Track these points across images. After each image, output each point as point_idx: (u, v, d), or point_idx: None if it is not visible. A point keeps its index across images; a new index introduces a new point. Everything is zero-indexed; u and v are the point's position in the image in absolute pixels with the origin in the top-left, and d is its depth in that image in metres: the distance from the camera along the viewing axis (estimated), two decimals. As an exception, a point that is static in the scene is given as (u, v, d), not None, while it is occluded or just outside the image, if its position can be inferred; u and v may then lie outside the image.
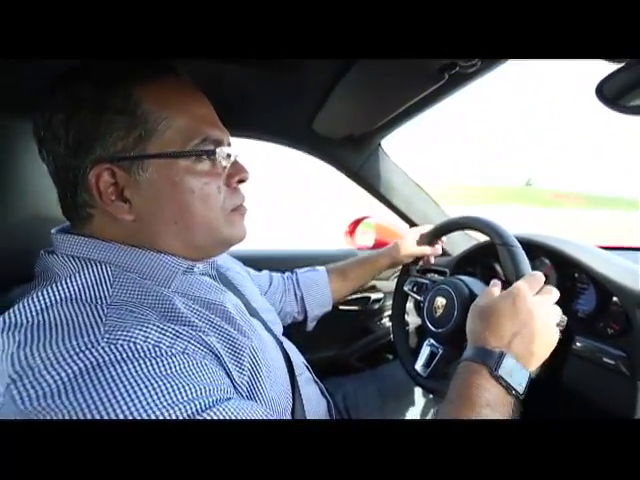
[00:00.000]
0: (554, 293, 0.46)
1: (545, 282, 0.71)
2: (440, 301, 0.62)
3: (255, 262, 0.79)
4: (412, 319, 1.06)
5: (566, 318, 0.48)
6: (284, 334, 0.64)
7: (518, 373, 0.38)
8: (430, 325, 0.63)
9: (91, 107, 0.36)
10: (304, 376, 0.58)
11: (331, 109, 0.66)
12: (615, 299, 0.57)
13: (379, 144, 0.88)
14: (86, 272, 0.36)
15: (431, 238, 0.76)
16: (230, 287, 0.53)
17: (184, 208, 0.40)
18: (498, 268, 0.77)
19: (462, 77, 0.53)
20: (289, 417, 0.46)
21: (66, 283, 0.35)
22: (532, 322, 0.41)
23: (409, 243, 0.77)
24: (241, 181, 0.45)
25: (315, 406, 0.57)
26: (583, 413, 0.62)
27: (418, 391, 0.78)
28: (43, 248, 0.41)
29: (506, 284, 0.48)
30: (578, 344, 0.60)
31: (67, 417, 0.27)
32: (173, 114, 0.39)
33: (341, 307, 0.98)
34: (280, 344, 0.55)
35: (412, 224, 0.99)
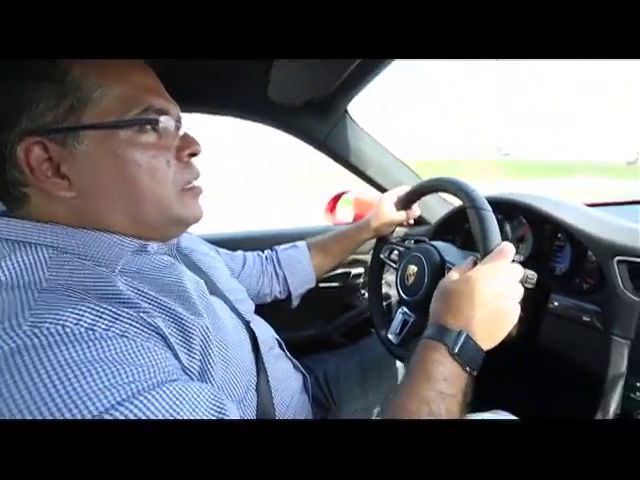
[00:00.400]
0: (517, 271, 0.43)
1: (521, 242, 0.70)
2: (412, 268, 0.60)
3: (230, 244, 0.76)
4: (394, 292, 1.05)
5: (535, 275, 0.45)
6: (263, 313, 0.63)
7: (473, 352, 0.39)
8: (402, 293, 0.61)
9: (12, 73, 0.33)
10: (274, 352, 0.57)
11: (280, 72, 0.61)
12: (590, 253, 0.55)
13: (345, 110, 0.83)
14: (18, 255, 0.33)
15: (404, 204, 0.72)
16: (192, 267, 0.50)
17: (130, 183, 0.38)
18: None
19: None
20: (253, 394, 0.45)
21: None
22: (490, 305, 0.40)
23: (387, 210, 0.74)
24: (193, 154, 0.43)
25: (287, 382, 0.56)
26: (559, 370, 0.61)
27: (399, 364, 0.77)
28: None
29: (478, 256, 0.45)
30: (555, 303, 0.59)
31: None
32: (109, 82, 0.36)
33: (321, 284, 0.96)
34: (247, 323, 0.53)
35: None
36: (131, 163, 0.37)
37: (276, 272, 0.76)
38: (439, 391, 0.36)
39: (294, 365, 0.62)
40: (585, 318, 0.54)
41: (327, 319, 1.05)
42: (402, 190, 0.74)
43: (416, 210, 0.78)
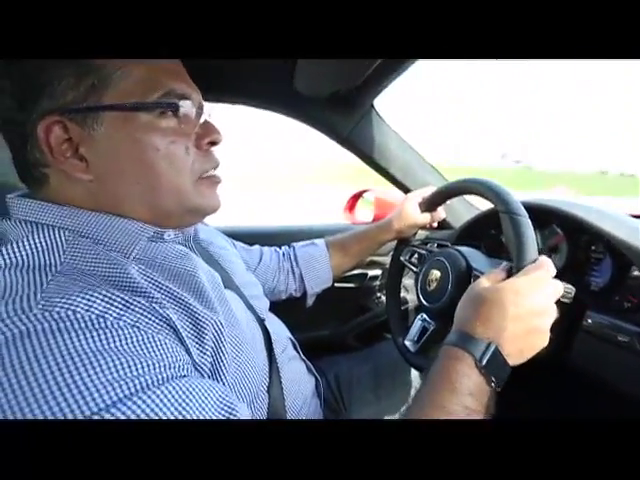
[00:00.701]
0: (558, 289, 0.40)
1: (554, 253, 0.65)
2: (435, 274, 0.57)
3: (247, 238, 0.75)
4: (412, 297, 1.01)
5: (573, 289, 0.42)
6: (277, 311, 0.61)
7: (500, 367, 0.36)
8: (423, 299, 0.58)
9: None
10: (287, 353, 0.56)
11: (307, 63, 0.59)
12: (635, 269, 0.50)
13: (372, 105, 0.80)
14: (36, 237, 0.33)
15: (429, 205, 0.69)
16: (208, 260, 0.50)
17: (148, 167, 0.37)
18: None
19: None
20: (264, 396, 0.44)
21: (13, 248, 0.32)
22: (524, 321, 0.37)
23: (411, 210, 0.71)
24: (213, 143, 0.43)
25: (300, 384, 0.55)
26: (592, 393, 0.57)
27: (414, 371, 0.74)
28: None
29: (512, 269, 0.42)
30: (589, 320, 0.55)
31: None
32: (132, 63, 0.36)
33: (337, 284, 0.94)
34: (261, 320, 0.52)
35: None
36: (150, 147, 0.37)
37: (292, 269, 0.75)
38: (465, 406, 0.34)
39: (307, 367, 0.60)
40: (622, 339, 0.49)
41: (341, 320, 1.03)
42: (428, 191, 0.71)
43: (441, 213, 0.75)
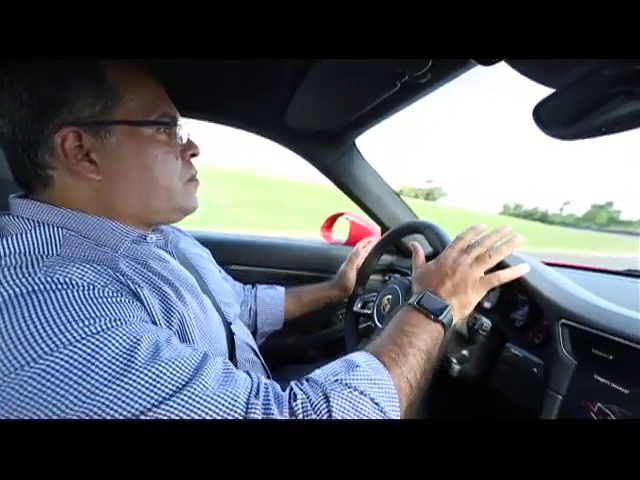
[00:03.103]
0: (479, 247, 0.55)
1: (492, 290, 0.76)
2: (387, 297, 0.65)
3: (225, 247, 0.83)
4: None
5: (490, 324, 0.52)
6: None
7: (436, 302, 0.50)
8: (380, 324, 0.66)
9: (58, 77, 0.39)
10: (248, 358, 0.60)
11: (299, 105, 0.69)
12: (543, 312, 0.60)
13: (353, 143, 0.90)
14: (38, 232, 0.38)
15: (379, 252, 0.82)
16: (187, 266, 0.55)
17: (148, 170, 0.45)
18: None
19: (416, 87, 0.56)
20: None
21: (15, 239, 0.36)
22: (453, 277, 0.53)
23: (349, 273, 0.88)
24: (193, 155, 0.52)
25: None
26: (502, 410, 0.66)
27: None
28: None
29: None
30: (512, 351, 0.64)
31: None
32: (136, 89, 0.44)
33: None
34: (228, 324, 0.57)
35: (381, 224, 1.02)
36: (151, 155, 0.45)
37: (250, 305, 0.82)
38: (401, 329, 0.47)
39: (267, 375, 0.64)
40: (533, 369, 0.59)
41: (305, 332, 1.10)
42: (363, 243, 0.91)
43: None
